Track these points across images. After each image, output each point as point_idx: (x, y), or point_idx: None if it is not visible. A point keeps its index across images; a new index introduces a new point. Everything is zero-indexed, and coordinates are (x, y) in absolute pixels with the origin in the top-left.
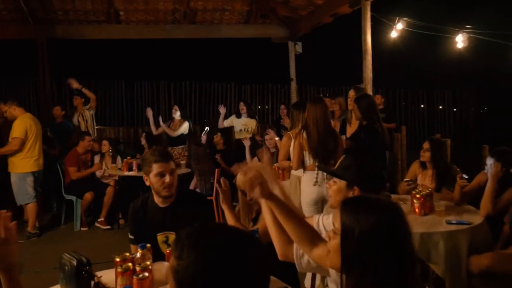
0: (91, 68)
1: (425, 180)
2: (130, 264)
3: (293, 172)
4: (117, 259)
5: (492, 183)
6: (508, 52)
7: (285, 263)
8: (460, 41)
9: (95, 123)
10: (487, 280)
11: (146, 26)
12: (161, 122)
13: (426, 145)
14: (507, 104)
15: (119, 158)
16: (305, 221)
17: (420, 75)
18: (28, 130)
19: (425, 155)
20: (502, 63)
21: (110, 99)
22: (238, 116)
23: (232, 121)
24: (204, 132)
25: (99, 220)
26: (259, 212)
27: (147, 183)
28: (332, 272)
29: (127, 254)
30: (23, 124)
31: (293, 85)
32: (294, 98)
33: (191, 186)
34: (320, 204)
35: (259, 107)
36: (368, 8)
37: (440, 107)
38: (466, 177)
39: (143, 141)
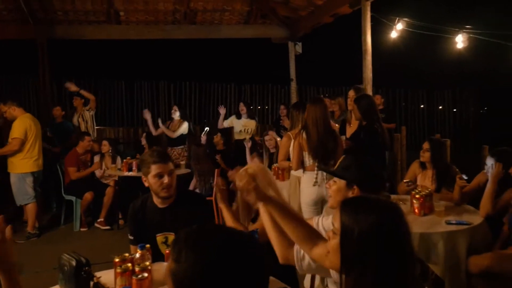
0: (91, 68)
1: (425, 180)
2: (129, 264)
3: (292, 172)
4: (116, 260)
5: (492, 184)
6: (508, 52)
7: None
8: (460, 41)
9: (95, 124)
10: (487, 280)
11: (146, 26)
12: (160, 124)
13: (425, 145)
14: (507, 104)
15: (119, 159)
16: (304, 220)
17: (420, 75)
18: (28, 130)
19: (425, 156)
20: (502, 63)
21: (110, 99)
22: (238, 117)
23: (232, 121)
24: (203, 133)
25: (98, 220)
26: (258, 211)
27: (146, 184)
28: (333, 273)
29: (127, 254)
30: (22, 124)
31: (293, 85)
32: (294, 99)
33: (191, 187)
34: (320, 205)
35: (259, 107)
36: (368, 8)
37: (440, 107)
38: (466, 177)
39: (144, 141)
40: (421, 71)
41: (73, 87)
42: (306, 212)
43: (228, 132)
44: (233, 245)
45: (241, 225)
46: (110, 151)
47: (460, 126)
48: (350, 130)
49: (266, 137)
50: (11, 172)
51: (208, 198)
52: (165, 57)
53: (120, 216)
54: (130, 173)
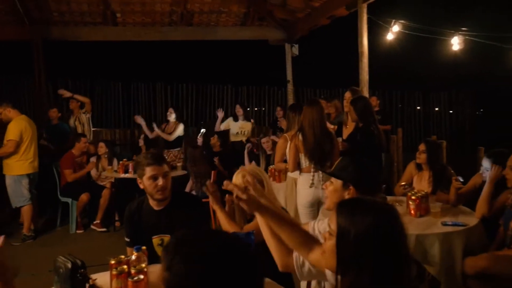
0: (88, 69)
1: (421, 181)
2: (125, 266)
3: (289, 174)
4: (112, 262)
5: (490, 186)
6: (503, 54)
7: None
8: (456, 43)
9: (91, 126)
10: (482, 281)
11: (143, 28)
12: (155, 127)
13: (422, 147)
14: (503, 106)
15: (115, 160)
16: (299, 226)
17: (416, 77)
18: (23, 132)
19: (421, 157)
20: (497, 65)
21: (107, 100)
22: (235, 119)
23: (229, 124)
24: (200, 134)
25: (95, 222)
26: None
27: (141, 186)
28: (329, 277)
29: (122, 256)
30: (18, 126)
31: (290, 87)
32: (290, 100)
33: (187, 189)
34: (316, 206)
35: (255, 109)
36: (365, 10)
37: (436, 109)
38: (462, 180)
39: (141, 143)
40: (417, 73)
41: (67, 94)
42: (303, 214)
43: (225, 134)
44: (225, 251)
45: (237, 226)
46: (106, 153)
47: (456, 128)
48: (346, 131)
49: (263, 139)
50: (7, 174)
51: (204, 200)
52: (161, 59)
53: (116, 218)
54: (127, 175)
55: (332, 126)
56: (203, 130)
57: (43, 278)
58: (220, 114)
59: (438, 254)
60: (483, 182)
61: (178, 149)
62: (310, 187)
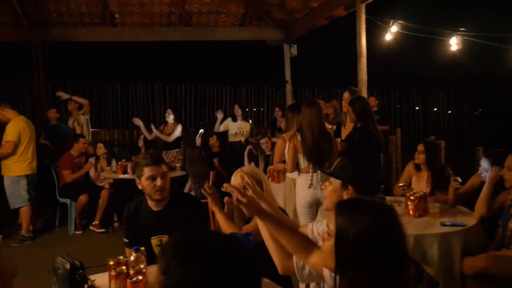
0: (86, 70)
1: (420, 182)
2: (123, 267)
3: (288, 174)
4: (111, 263)
5: (489, 186)
6: (502, 54)
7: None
8: (454, 43)
9: (90, 128)
10: (481, 282)
11: (142, 28)
12: (153, 129)
13: (420, 147)
14: (501, 106)
15: (114, 161)
16: (297, 230)
17: (414, 78)
18: (21, 133)
19: (420, 157)
20: (496, 66)
21: (105, 101)
22: (234, 119)
23: (228, 124)
24: (198, 135)
25: (93, 223)
26: None
27: (140, 187)
28: (327, 278)
29: (121, 257)
30: (16, 127)
31: (288, 87)
32: (289, 100)
33: (186, 189)
34: (315, 207)
35: (254, 109)
36: (363, 10)
37: (435, 109)
38: (460, 180)
39: (141, 143)
40: (415, 73)
41: (65, 95)
42: (301, 214)
43: (223, 134)
44: (224, 252)
45: (236, 227)
46: (105, 153)
47: (454, 128)
48: (345, 132)
49: (262, 140)
50: (5, 175)
51: (202, 201)
52: (160, 59)
53: (115, 219)
54: (125, 176)
55: (330, 126)
56: (201, 131)
57: (41, 279)
58: (220, 115)
59: (437, 254)
60: (482, 183)
61: (177, 150)
62: (309, 187)
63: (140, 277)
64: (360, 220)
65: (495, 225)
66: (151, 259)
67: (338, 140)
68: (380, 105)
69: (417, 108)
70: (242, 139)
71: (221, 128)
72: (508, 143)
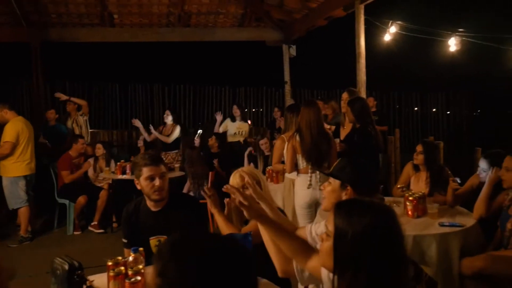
0: (85, 71)
1: (418, 182)
2: (122, 268)
3: (286, 175)
4: (110, 263)
5: (488, 187)
6: (500, 55)
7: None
8: (453, 44)
9: (89, 128)
10: (479, 282)
11: (140, 29)
12: (152, 130)
13: (419, 148)
14: (500, 107)
15: (112, 162)
16: (296, 235)
17: (413, 78)
18: (20, 133)
19: (418, 158)
20: (494, 66)
21: (104, 102)
22: (233, 119)
23: (227, 124)
24: (197, 135)
25: (92, 224)
26: None
27: (138, 187)
28: (325, 280)
29: (120, 258)
30: (14, 127)
31: (287, 88)
32: (288, 101)
33: (185, 190)
34: (314, 207)
35: (253, 110)
36: (362, 11)
37: (434, 109)
38: (459, 181)
39: (141, 143)
40: (414, 73)
41: (63, 97)
42: (300, 215)
43: (223, 135)
44: (219, 256)
45: (235, 228)
46: (104, 154)
47: (453, 128)
48: (343, 132)
49: (261, 141)
50: (3, 175)
51: (201, 201)
52: (159, 60)
53: (114, 219)
54: (124, 176)
55: (329, 127)
56: (200, 131)
57: (40, 280)
58: (219, 117)
59: (435, 255)
60: (480, 183)
61: (176, 151)
62: (308, 188)
63: (139, 278)
64: (359, 221)
65: (494, 226)
66: (149, 260)
67: (337, 140)
68: (379, 105)
69: (416, 108)
70: (241, 139)
71: (221, 129)
72: (507, 144)
